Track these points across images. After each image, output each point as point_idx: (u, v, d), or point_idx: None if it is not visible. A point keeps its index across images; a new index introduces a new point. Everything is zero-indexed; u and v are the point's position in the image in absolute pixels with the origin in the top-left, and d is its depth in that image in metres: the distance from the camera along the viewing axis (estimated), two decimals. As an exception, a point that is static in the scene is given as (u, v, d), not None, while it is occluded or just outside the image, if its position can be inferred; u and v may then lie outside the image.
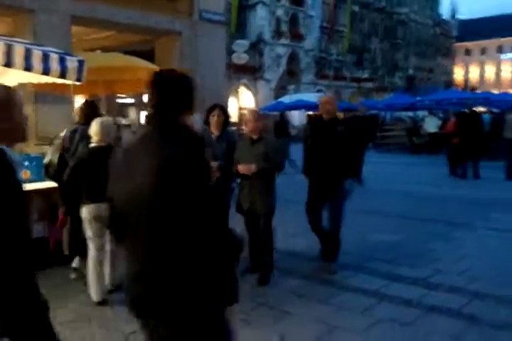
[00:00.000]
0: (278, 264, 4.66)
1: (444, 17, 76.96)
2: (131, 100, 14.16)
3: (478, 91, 47.43)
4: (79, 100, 8.31)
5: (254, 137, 4.40)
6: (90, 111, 4.85)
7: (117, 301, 3.82)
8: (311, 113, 27.58)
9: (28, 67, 4.62)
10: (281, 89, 44.56)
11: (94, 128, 4.02)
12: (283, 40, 47.27)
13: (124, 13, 8.81)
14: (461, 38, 79.65)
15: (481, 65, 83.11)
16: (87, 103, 5.08)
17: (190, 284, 1.66)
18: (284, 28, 47.53)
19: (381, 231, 6.17)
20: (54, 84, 5.63)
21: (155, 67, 6.34)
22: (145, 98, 8.68)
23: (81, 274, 4.51)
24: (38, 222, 5.10)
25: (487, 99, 17.51)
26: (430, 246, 5.61)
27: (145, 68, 6.01)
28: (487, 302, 3.97)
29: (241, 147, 4.50)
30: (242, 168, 4.29)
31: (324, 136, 4.59)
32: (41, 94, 7.43)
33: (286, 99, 30.56)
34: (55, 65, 4.80)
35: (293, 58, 48.75)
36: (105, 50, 9.10)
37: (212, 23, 10.17)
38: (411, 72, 67.18)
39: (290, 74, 47.94)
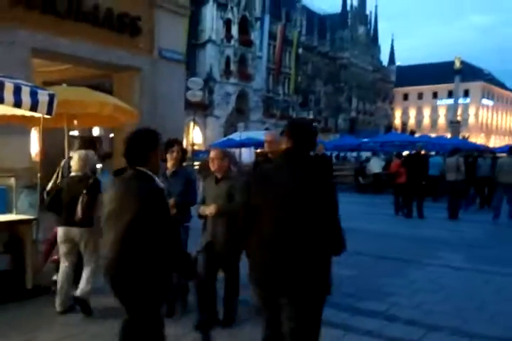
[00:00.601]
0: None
1: (383, 63, 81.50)
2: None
3: (417, 134, 50.00)
4: (33, 132, 8.25)
5: (219, 176, 4.26)
6: (89, 144, 5.45)
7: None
8: (258, 150, 28.13)
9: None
10: (230, 127, 45.30)
11: (74, 159, 4.36)
12: (232, 79, 48.47)
13: (85, 47, 8.86)
14: (399, 84, 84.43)
15: (418, 109, 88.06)
16: (85, 139, 5.46)
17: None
18: (233, 67, 48.86)
19: (339, 266, 6.37)
20: (16, 116, 5.64)
21: (121, 103, 6.45)
22: (95, 132, 8.67)
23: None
24: (2, 255, 4.99)
25: (426, 143, 18.62)
26: (384, 281, 5.86)
27: (110, 104, 6.11)
28: (442, 334, 4.22)
29: (207, 185, 4.39)
30: (201, 210, 4.19)
31: None
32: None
33: (236, 136, 30.99)
34: (26, 97, 4.83)
35: (242, 97, 49.93)
36: (64, 82, 9.12)
37: (171, 61, 10.43)
38: (353, 114, 70.16)
39: (239, 112, 48.95)
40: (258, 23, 51.72)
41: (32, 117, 5.47)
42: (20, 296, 5.01)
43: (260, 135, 32.99)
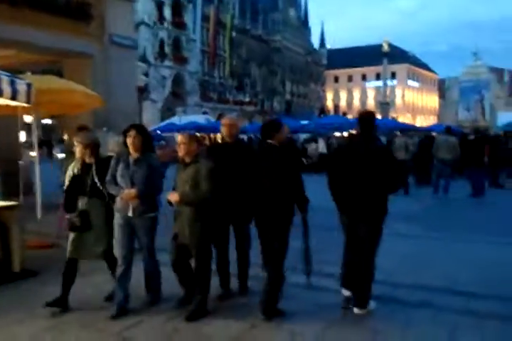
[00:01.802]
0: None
1: (314, 46, 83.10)
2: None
3: (349, 116, 51.80)
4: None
5: (187, 160, 4.14)
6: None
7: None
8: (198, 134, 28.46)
9: (-19, 89, 4.74)
10: (167, 111, 44.96)
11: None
12: (167, 62, 47.89)
13: (37, 34, 8.83)
14: (330, 66, 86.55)
15: (349, 91, 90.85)
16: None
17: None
18: (168, 50, 48.26)
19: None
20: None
21: (88, 90, 6.62)
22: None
23: None
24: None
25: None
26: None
27: (78, 91, 6.28)
28: (401, 289, 4.89)
29: (177, 171, 4.27)
30: (168, 196, 4.10)
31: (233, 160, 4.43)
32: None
33: (176, 120, 30.99)
34: (6, 87, 4.96)
35: (178, 80, 49.51)
36: (6, 69, 9.01)
37: (122, 46, 10.51)
38: (288, 97, 71.37)
39: (176, 96, 48.57)
40: (191, 6, 51.20)
41: (12, 106, 5.58)
42: (5, 280, 5.19)
43: (200, 119, 33.29)
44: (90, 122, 9.93)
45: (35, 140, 6.36)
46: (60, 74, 10.33)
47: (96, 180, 4.33)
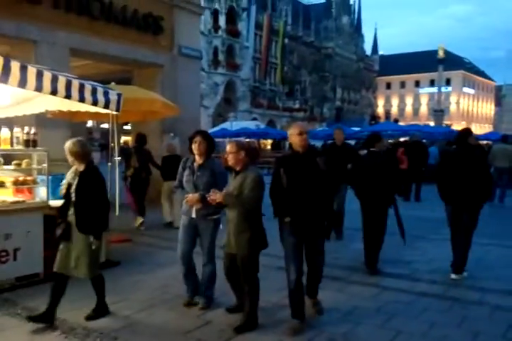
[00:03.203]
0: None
1: (366, 53, 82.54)
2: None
3: (401, 123, 51.16)
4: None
5: (237, 169, 4.12)
6: None
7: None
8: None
9: (81, 99, 5.38)
10: (218, 117, 45.95)
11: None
12: (220, 70, 48.97)
13: (114, 46, 9.60)
14: (382, 73, 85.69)
15: (401, 97, 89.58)
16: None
17: None
18: (221, 57, 49.36)
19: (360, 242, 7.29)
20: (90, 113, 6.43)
21: (166, 100, 7.24)
22: (139, 124, 9.38)
23: None
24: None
25: (418, 131, 19.63)
26: (402, 253, 6.77)
27: (158, 100, 6.91)
28: (460, 289, 5.17)
29: (230, 180, 4.27)
30: (212, 196, 4.01)
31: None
32: (41, 118, 7.98)
33: (227, 126, 31.82)
34: (100, 97, 5.59)
35: (229, 87, 50.47)
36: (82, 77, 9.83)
37: (189, 57, 11.19)
38: (338, 103, 71.19)
39: (227, 102, 49.55)
40: (245, 14, 52.16)
41: (100, 113, 6.24)
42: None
43: (251, 125, 33.97)
44: (159, 128, 10.69)
45: (116, 144, 6.99)
46: (128, 83, 11.12)
47: (72, 190, 4.14)
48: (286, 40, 58.89)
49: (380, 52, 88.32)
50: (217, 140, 25.71)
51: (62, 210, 4.24)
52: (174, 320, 4.26)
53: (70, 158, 4.21)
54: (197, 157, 4.49)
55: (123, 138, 21.92)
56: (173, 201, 8.50)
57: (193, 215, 4.44)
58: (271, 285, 4.77)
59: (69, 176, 4.28)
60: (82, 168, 4.18)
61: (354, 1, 76.70)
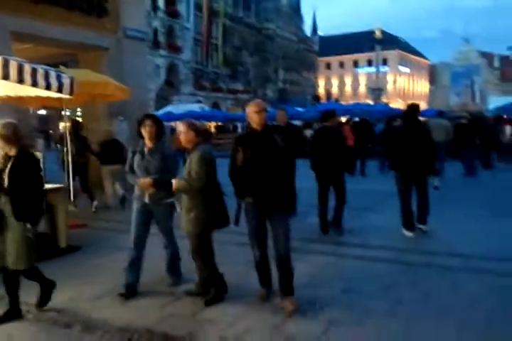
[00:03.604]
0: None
1: (306, 34, 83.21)
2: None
3: (341, 102, 52.30)
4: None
5: (189, 148, 4.14)
6: None
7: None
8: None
9: (34, 83, 5.32)
10: (161, 100, 45.23)
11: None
12: (161, 51, 48.06)
13: (58, 29, 9.35)
14: (322, 53, 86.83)
15: (340, 78, 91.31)
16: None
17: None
18: (162, 39, 48.39)
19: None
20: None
21: (120, 84, 7.20)
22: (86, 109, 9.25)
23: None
24: (40, 219, 5.74)
25: (360, 110, 20.35)
26: (355, 224, 7.12)
27: (111, 83, 6.87)
28: (411, 254, 5.60)
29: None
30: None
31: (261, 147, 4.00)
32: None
33: (172, 109, 31.50)
34: (53, 81, 5.53)
35: (171, 69, 49.70)
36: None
37: (135, 39, 11.04)
38: (281, 84, 71.68)
39: (169, 85, 48.80)
40: (184, -6, 51.20)
41: (49, 98, 6.16)
42: (54, 254, 5.84)
43: (195, 107, 33.77)
44: (106, 112, 10.56)
45: (66, 130, 6.93)
46: (72, 66, 10.87)
47: (5, 176, 3.81)
48: (227, 22, 58.41)
49: (320, 33, 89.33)
50: (167, 124, 25.62)
51: None
52: (147, 298, 4.39)
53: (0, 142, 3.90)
54: (147, 141, 4.44)
55: (62, 124, 21.36)
56: (114, 183, 8.79)
57: (146, 200, 4.41)
58: (237, 259, 5.01)
59: None
60: (13, 152, 3.88)
61: (293, -18, 76.86)
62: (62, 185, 5.99)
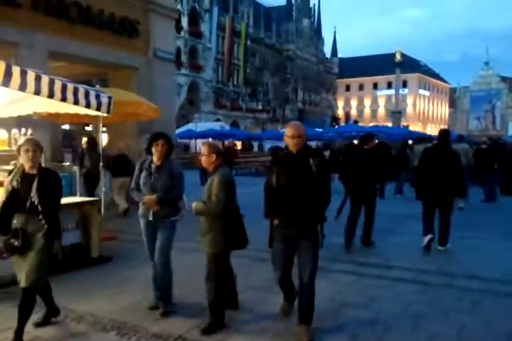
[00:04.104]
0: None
1: (326, 55, 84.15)
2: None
3: (360, 124, 52.45)
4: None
5: (210, 171, 4.15)
6: None
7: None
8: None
9: (76, 102, 5.64)
10: (182, 118, 45.94)
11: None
12: (183, 70, 49.01)
13: (91, 48, 9.80)
14: (341, 75, 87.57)
15: (360, 99, 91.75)
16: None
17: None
18: (184, 58, 49.40)
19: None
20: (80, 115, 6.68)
21: (151, 103, 7.54)
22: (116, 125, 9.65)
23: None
24: (74, 230, 6.03)
25: (379, 132, 20.48)
26: (374, 244, 7.32)
27: (144, 103, 7.22)
28: (430, 275, 5.72)
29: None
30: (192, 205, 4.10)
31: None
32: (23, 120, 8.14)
33: (192, 127, 32.06)
34: (93, 100, 5.86)
35: (193, 88, 50.57)
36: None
37: (164, 60, 11.46)
38: (300, 105, 72.29)
39: (190, 104, 49.61)
40: (207, 15, 52.41)
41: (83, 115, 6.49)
42: (87, 264, 6.10)
43: (215, 126, 34.25)
44: (135, 129, 10.92)
45: (101, 145, 7.24)
46: (102, 84, 11.29)
47: (34, 195, 3.72)
48: (248, 42, 59.47)
49: (339, 55, 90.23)
50: (183, 141, 26.12)
51: (4, 224, 3.77)
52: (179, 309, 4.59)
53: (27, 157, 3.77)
54: (155, 159, 4.44)
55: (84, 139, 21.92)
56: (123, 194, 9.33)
57: (150, 218, 4.38)
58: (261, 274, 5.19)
59: (13, 180, 3.77)
60: (35, 170, 3.79)
61: (314, 4, 78.23)
62: (96, 198, 6.25)
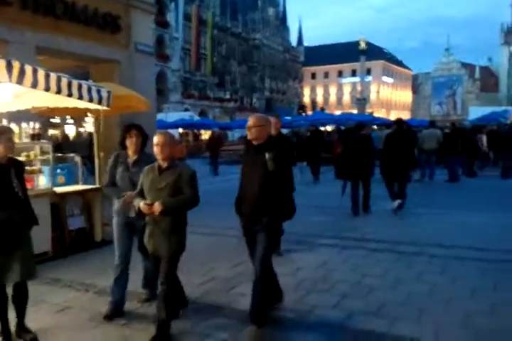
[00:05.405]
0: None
1: (292, 44, 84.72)
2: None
3: (326, 111, 53.51)
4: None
5: (164, 165, 3.65)
6: None
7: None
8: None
9: (80, 97, 6.09)
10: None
11: None
12: (150, 61, 48.78)
13: (76, 43, 10.12)
14: (307, 63, 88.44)
15: (325, 87, 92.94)
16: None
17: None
18: (151, 48, 49.15)
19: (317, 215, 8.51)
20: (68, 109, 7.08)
21: (142, 97, 8.01)
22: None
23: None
24: (79, 216, 6.53)
25: (348, 120, 21.38)
26: (350, 224, 8.05)
27: (135, 96, 7.70)
28: (403, 245, 6.48)
29: (145, 177, 3.72)
30: (143, 209, 3.56)
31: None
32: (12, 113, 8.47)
33: (162, 117, 32.24)
34: (95, 94, 6.32)
35: (160, 78, 50.39)
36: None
37: (144, 53, 11.85)
38: (267, 93, 72.86)
39: (158, 93, 49.31)
40: (173, 4, 52.13)
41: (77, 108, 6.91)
42: (91, 247, 6.62)
43: (185, 115, 34.47)
44: (118, 121, 11.30)
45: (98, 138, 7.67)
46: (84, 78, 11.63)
47: (15, 185, 3.57)
48: (215, 32, 59.42)
49: (305, 44, 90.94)
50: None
51: None
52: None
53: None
54: (131, 152, 4.25)
55: (50, 132, 21.89)
56: None
57: (132, 214, 4.02)
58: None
59: None
60: (4, 160, 3.62)
61: (279, -7, 78.42)
62: (99, 186, 6.71)
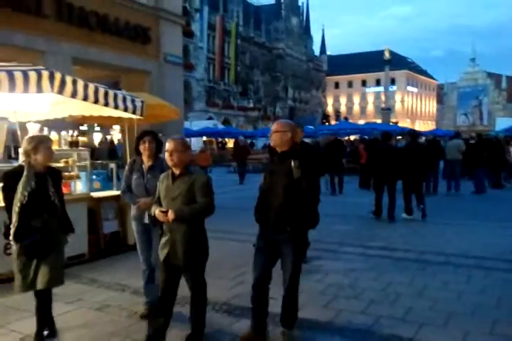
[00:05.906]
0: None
1: (315, 53, 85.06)
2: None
3: (350, 121, 53.37)
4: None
5: (177, 172, 3.59)
6: None
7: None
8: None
9: (116, 106, 6.36)
10: (175, 116, 46.53)
11: None
12: (175, 70, 49.54)
13: (109, 54, 10.50)
14: (330, 72, 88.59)
15: (349, 96, 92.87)
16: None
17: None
18: (176, 58, 49.93)
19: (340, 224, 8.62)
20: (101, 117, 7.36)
21: (173, 106, 8.28)
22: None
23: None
24: (113, 220, 6.77)
25: (372, 129, 21.39)
26: (375, 232, 8.13)
27: (166, 105, 7.96)
28: (429, 255, 6.53)
29: (161, 184, 3.69)
30: (158, 216, 3.52)
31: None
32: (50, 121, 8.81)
33: (187, 125, 32.71)
34: (129, 104, 6.59)
35: (185, 87, 50.96)
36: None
37: (173, 64, 12.19)
38: (290, 102, 73.17)
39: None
40: (198, 14, 52.97)
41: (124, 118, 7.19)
42: (125, 250, 6.83)
43: (210, 124, 34.87)
44: (149, 129, 11.64)
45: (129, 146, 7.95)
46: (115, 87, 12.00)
47: (51, 194, 3.70)
48: (239, 41, 60.07)
49: (328, 53, 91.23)
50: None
51: (25, 219, 3.57)
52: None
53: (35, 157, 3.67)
54: (145, 158, 4.30)
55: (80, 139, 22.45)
56: None
57: (146, 221, 4.19)
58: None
59: (28, 182, 3.59)
60: (44, 169, 3.75)
61: (302, 3, 79.05)
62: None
